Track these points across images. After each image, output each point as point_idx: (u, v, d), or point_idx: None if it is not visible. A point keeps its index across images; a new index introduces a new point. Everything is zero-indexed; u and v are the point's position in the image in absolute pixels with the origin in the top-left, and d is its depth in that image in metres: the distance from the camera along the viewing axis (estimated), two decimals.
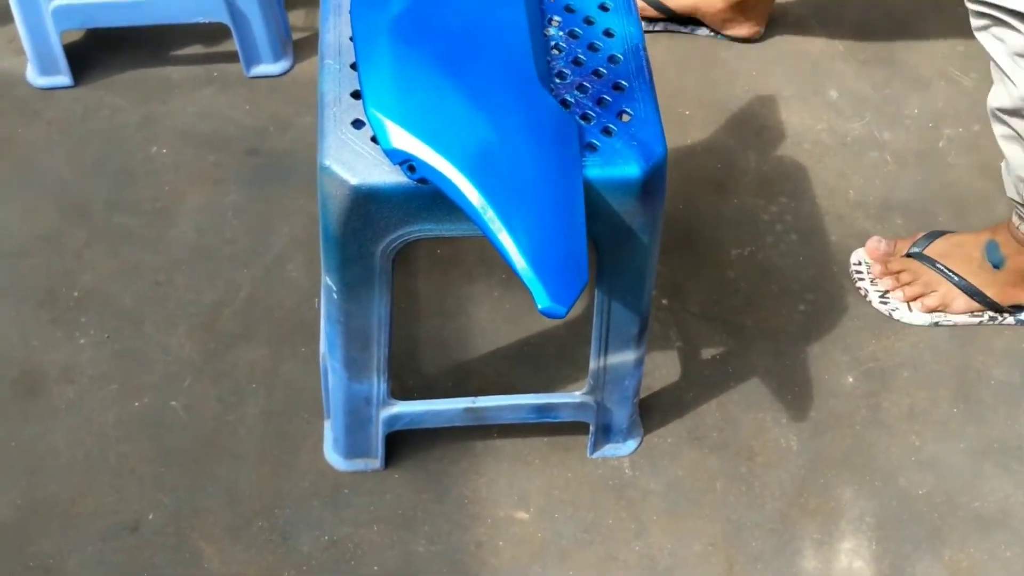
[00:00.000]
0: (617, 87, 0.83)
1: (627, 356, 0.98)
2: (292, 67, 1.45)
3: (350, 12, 0.83)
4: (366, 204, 0.78)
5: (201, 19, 1.35)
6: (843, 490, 1.12)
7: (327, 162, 0.77)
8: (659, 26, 1.53)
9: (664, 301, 1.26)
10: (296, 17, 1.50)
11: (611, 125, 0.80)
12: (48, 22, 1.33)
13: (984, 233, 1.25)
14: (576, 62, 0.84)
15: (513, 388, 1.17)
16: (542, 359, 1.21)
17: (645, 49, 0.85)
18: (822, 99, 1.47)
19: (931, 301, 1.24)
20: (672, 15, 1.51)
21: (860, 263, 1.29)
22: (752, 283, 1.29)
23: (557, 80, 0.83)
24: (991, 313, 1.24)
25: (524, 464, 1.12)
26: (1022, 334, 1.26)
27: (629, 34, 0.86)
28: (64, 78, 1.40)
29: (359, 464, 1.08)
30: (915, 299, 1.25)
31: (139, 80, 1.43)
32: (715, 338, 1.24)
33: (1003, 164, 1.16)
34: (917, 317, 1.24)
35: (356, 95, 0.81)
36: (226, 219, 1.31)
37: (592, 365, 1.00)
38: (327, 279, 0.87)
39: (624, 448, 1.11)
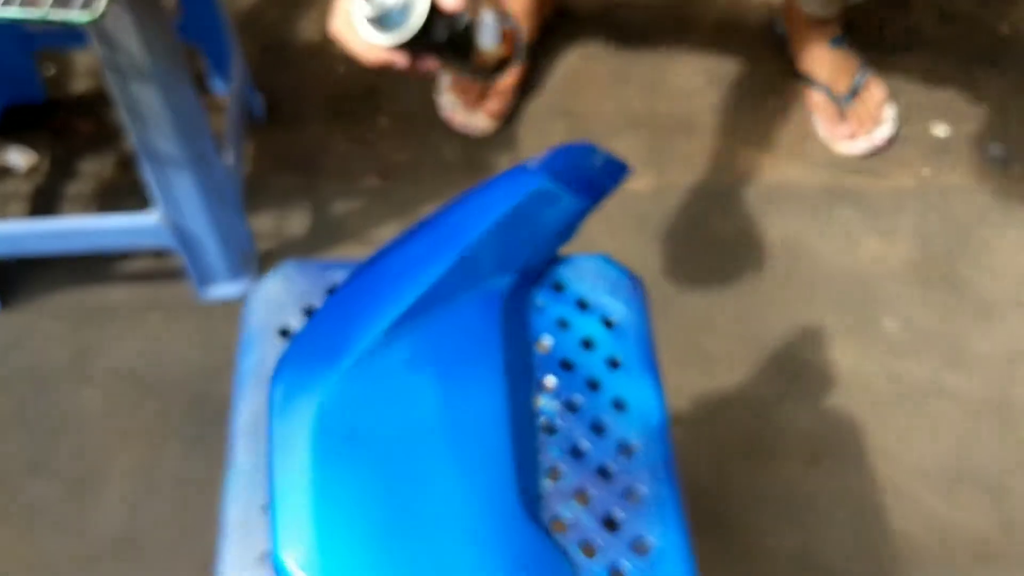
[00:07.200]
0: (630, 496, 0.61)
1: None
2: None
3: (268, 411, 0.61)
4: None
5: (141, 246, 1.15)
6: None
7: None
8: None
9: None
10: (263, 223, 1.30)
11: (622, 562, 0.58)
12: None
13: None
14: (575, 453, 0.63)
15: None
16: None
17: (670, 431, 0.64)
18: (875, 332, 1.25)
19: None
20: None
21: None
22: None
23: (550, 481, 0.61)
24: None
25: None
26: None
27: (648, 408, 0.64)
28: None
29: None
30: None
31: (75, 304, 1.23)
32: None
33: None
34: None
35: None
36: (163, 493, 1.09)
37: None
38: None
39: None
